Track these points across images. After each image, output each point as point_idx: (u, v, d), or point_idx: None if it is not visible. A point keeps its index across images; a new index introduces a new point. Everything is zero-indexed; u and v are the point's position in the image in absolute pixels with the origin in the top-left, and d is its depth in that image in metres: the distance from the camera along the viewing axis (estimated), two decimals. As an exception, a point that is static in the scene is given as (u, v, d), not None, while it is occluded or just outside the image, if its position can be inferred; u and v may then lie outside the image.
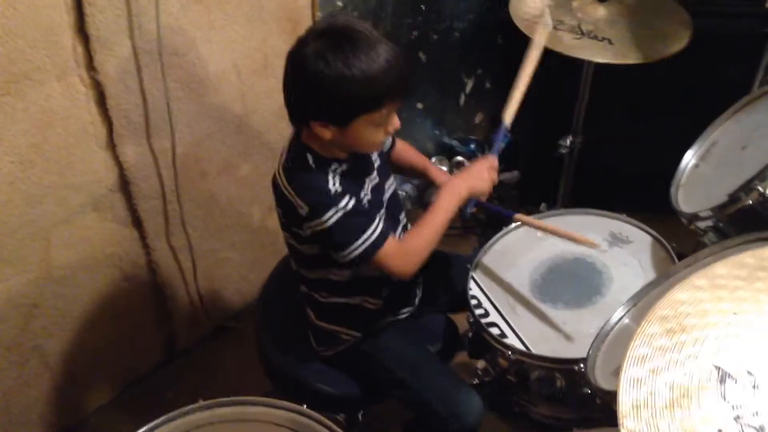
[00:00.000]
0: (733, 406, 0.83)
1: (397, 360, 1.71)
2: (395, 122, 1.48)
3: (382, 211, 1.63)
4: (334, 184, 1.47)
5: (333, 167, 1.50)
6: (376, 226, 1.50)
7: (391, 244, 1.51)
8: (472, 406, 1.65)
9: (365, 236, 1.48)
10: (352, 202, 1.47)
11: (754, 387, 0.84)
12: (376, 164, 1.64)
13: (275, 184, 1.53)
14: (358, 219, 1.49)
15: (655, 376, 0.88)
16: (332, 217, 1.45)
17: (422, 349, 1.79)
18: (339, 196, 1.46)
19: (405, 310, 1.79)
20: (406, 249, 1.55)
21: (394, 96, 1.41)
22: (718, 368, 0.87)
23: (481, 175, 1.63)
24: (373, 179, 1.62)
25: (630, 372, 0.89)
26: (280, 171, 1.51)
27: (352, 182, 1.53)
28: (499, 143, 1.74)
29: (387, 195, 1.67)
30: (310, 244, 1.57)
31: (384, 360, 1.71)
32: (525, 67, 1.78)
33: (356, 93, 1.36)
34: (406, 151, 1.81)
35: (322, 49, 1.34)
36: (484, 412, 1.67)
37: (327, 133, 1.43)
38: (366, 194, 1.58)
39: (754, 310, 0.92)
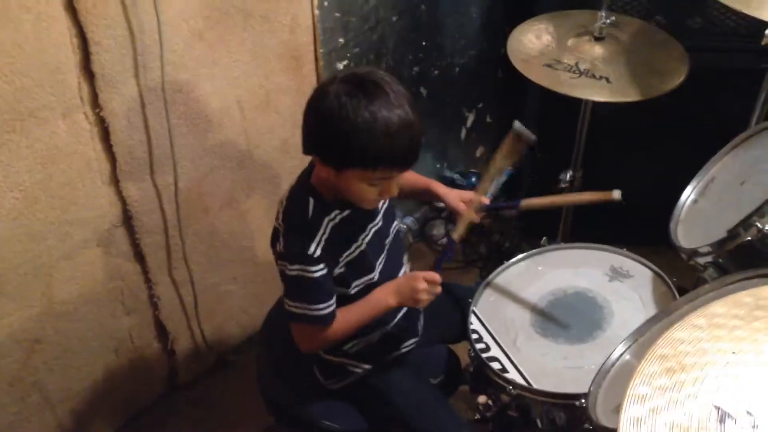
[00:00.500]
0: (732, 447, 0.83)
1: (402, 397, 1.71)
2: (392, 190, 1.48)
3: (383, 256, 1.65)
4: (318, 246, 1.48)
5: (333, 215, 1.51)
6: (327, 307, 1.53)
7: (315, 327, 1.56)
8: None
9: (311, 308, 1.52)
10: (323, 273, 1.50)
11: (753, 427, 0.84)
12: (383, 209, 1.65)
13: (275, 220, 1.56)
14: (314, 291, 1.52)
15: (655, 415, 0.88)
16: (294, 271, 1.49)
17: (428, 387, 1.79)
18: (314, 261, 1.48)
19: (410, 342, 1.79)
20: (321, 335, 1.58)
21: (392, 163, 1.41)
22: (717, 408, 0.87)
23: (416, 290, 1.57)
24: (377, 224, 1.63)
25: (630, 411, 0.89)
26: (284, 201, 1.54)
27: (350, 229, 1.55)
28: (447, 257, 1.72)
29: (390, 238, 1.68)
30: None
31: (390, 395, 1.71)
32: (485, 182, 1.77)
33: (354, 144, 1.36)
34: (405, 176, 1.81)
35: (342, 91, 1.36)
36: None
37: (324, 171, 1.45)
38: (367, 236, 1.59)
39: (752, 349, 0.93)
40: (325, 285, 1.53)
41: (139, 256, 2.14)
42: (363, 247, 1.58)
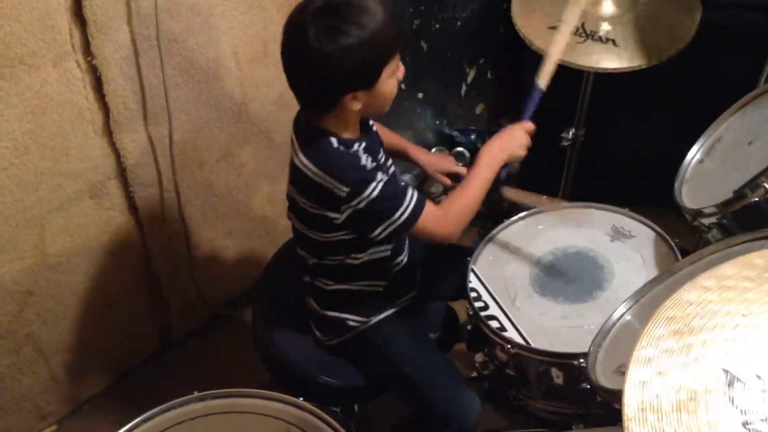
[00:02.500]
0: (741, 411, 0.81)
1: (402, 354, 1.70)
2: (402, 68, 1.49)
3: None
4: (366, 160, 1.49)
5: (356, 147, 1.51)
6: (413, 193, 1.51)
7: (431, 208, 1.52)
8: (472, 408, 1.66)
9: (406, 202, 1.49)
10: (384, 174, 1.49)
11: (763, 392, 0.82)
12: (381, 143, 1.65)
13: (300, 175, 1.50)
14: (396, 188, 1.50)
15: (662, 378, 0.86)
16: (375, 189, 1.45)
17: (427, 344, 1.78)
18: (374, 170, 1.48)
19: (408, 295, 1.79)
20: (446, 213, 1.56)
21: (397, 38, 1.45)
22: (726, 372, 0.84)
23: (518, 139, 1.63)
24: (383, 156, 1.63)
25: (636, 374, 0.87)
26: (304, 160, 1.49)
27: (373, 156, 1.55)
28: (532, 106, 1.71)
29: (390, 171, 1.66)
30: (340, 230, 1.55)
31: (389, 353, 1.70)
32: (565, 26, 1.76)
33: (379, 47, 1.39)
34: (383, 131, 1.78)
35: (329, 26, 1.34)
36: (482, 414, 1.68)
37: (356, 104, 1.44)
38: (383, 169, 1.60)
39: (763, 312, 0.90)
40: (396, 179, 1.55)
41: (133, 209, 2.11)
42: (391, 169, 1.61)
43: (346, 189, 1.45)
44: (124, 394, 2.34)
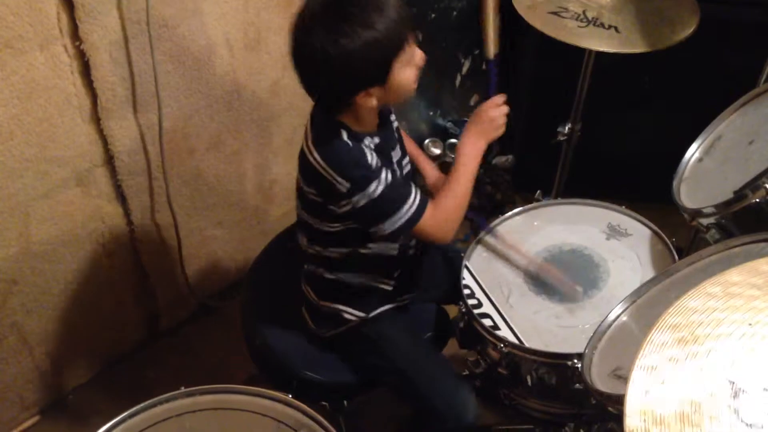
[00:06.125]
0: (747, 425, 0.78)
1: (398, 349, 1.69)
2: (419, 53, 1.45)
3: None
4: (372, 158, 1.46)
5: (367, 142, 1.49)
6: (416, 195, 1.49)
7: (430, 210, 1.51)
8: (469, 405, 1.64)
9: (408, 205, 1.48)
10: (390, 174, 1.47)
11: (770, 405, 0.80)
12: (398, 140, 1.63)
13: (306, 163, 1.49)
14: (400, 190, 1.48)
15: (665, 387, 0.84)
16: (376, 189, 1.44)
17: (423, 340, 1.77)
18: (379, 170, 1.45)
19: (408, 295, 1.77)
20: (443, 213, 1.54)
21: (408, 26, 1.40)
22: (731, 383, 0.82)
23: (493, 120, 1.60)
24: (397, 153, 1.61)
25: (638, 382, 0.85)
26: (312, 149, 1.47)
27: (383, 157, 1.52)
28: (494, 79, 1.69)
29: (406, 169, 1.65)
30: (341, 222, 1.54)
31: (385, 347, 1.69)
32: None
33: (385, 43, 1.35)
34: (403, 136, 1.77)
35: (331, 29, 1.31)
36: (478, 412, 1.67)
37: (371, 101, 1.42)
38: (392, 165, 1.57)
39: (770, 321, 0.88)
40: (401, 180, 1.53)
41: (121, 198, 2.07)
42: (396, 170, 1.58)
43: (347, 185, 1.44)
44: (110, 384, 2.30)
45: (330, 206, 1.51)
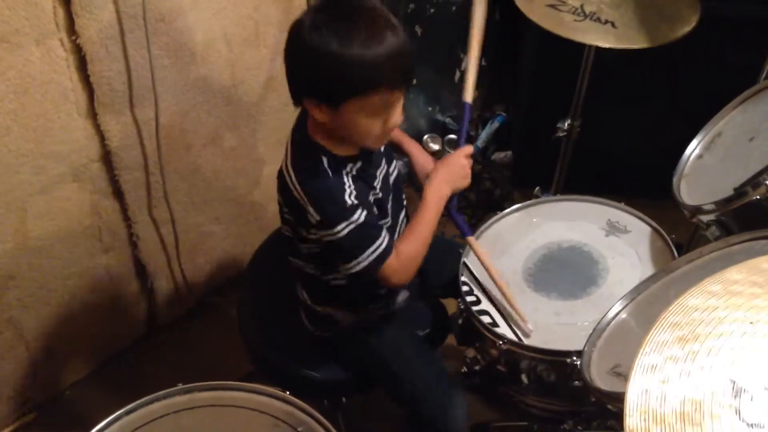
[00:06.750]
0: (748, 425, 0.78)
1: (392, 351, 1.67)
2: (396, 116, 1.39)
3: (391, 197, 1.60)
4: (350, 195, 1.41)
5: (348, 167, 1.45)
6: (383, 239, 1.45)
7: (393, 256, 1.47)
8: (459, 413, 1.65)
9: (372, 249, 1.43)
10: (364, 214, 1.43)
11: (771, 404, 0.79)
12: (384, 152, 1.59)
13: (283, 182, 1.47)
14: (368, 231, 1.44)
15: (665, 387, 0.83)
16: (343, 230, 1.41)
17: (419, 341, 1.76)
18: (353, 209, 1.41)
19: (402, 300, 1.75)
20: (405, 259, 1.50)
21: (389, 84, 1.32)
22: (732, 382, 0.81)
23: (460, 169, 1.59)
24: (383, 168, 1.57)
25: (639, 382, 0.84)
26: (290, 170, 1.44)
27: (365, 180, 1.49)
28: (466, 128, 1.68)
29: (393, 177, 1.62)
30: (313, 244, 1.53)
31: (379, 349, 1.68)
32: (473, 41, 1.71)
33: (348, 74, 1.29)
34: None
35: (321, 22, 1.28)
36: (468, 419, 1.68)
37: (320, 115, 1.36)
38: (378, 183, 1.54)
39: (772, 320, 0.87)
40: (373, 221, 1.47)
41: (118, 194, 2.06)
42: (378, 194, 1.53)
43: (317, 217, 1.41)
44: (107, 380, 2.30)
45: (300, 228, 1.50)
